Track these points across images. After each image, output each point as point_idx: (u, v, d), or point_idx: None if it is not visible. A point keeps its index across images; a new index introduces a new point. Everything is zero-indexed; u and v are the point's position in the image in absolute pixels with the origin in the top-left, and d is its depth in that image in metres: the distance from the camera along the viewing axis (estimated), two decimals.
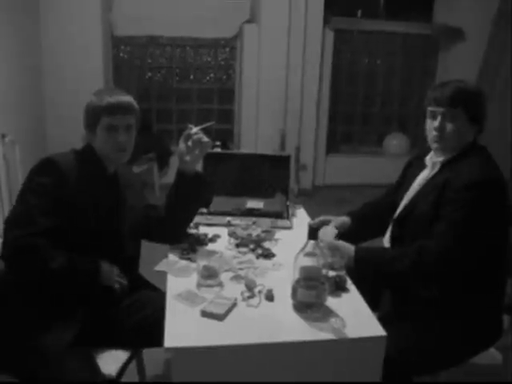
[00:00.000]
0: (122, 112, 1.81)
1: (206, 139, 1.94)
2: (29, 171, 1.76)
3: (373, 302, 1.68)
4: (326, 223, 2.12)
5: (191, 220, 2.09)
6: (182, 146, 1.94)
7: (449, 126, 1.82)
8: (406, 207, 1.95)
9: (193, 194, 1.98)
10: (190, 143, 1.93)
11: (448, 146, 1.85)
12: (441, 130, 1.83)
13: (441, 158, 1.89)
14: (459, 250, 1.69)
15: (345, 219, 2.17)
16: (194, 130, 1.94)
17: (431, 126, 1.87)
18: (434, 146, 1.90)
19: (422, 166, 1.97)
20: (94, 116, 1.81)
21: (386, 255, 1.84)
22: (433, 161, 1.93)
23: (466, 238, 1.69)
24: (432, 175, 1.91)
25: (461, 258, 1.70)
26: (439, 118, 1.83)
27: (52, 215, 1.69)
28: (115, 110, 1.80)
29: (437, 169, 1.90)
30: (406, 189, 2.01)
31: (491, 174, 1.75)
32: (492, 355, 1.91)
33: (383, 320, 1.55)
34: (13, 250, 1.68)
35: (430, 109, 1.88)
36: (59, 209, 1.70)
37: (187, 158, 1.94)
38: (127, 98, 1.85)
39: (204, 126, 1.99)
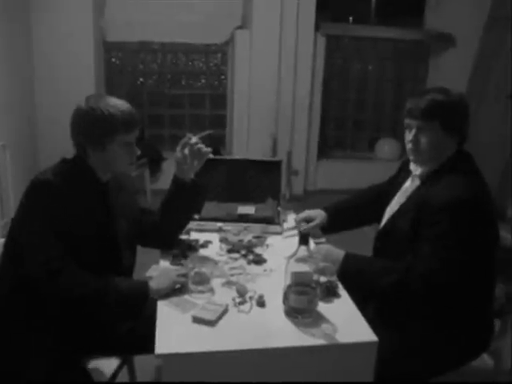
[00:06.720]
0: (136, 127, 1.77)
1: (205, 149, 1.94)
2: (24, 196, 1.66)
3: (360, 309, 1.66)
4: (310, 220, 2.22)
5: (185, 226, 2.09)
6: (179, 154, 1.93)
7: (423, 140, 1.78)
8: (388, 222, 1.94)
9: (189, 202, 1.98)
10: (186, 151, 1.93)
11: (424, 158, 1.82)
12: (415, 143, 1.80)
13: (419, 170, 1.87)
14: (444, 273, 1.65)
15: (322, 213, 2.25)
16: (194, 139, 1.93)
17: (407, 138, 1.84)
18: (410, 158, 1.88)
19: (410, 172, 1.95)
20: (106, 132, 1.70)
21: (372, 268, 1.80)
22: (414, 173, 1.91)
23: (449, 260, 1.64)
24: (414, 189, 1.89)
25: (446, 281, 1.65)
26: (413, 131, 1.80)
27: (61, 236, 1.63)
28: (132, 127, 1.74)
29: (417, 183, 1.88)
30: (393, 196, 2.00)
31: (467, 194, 1.68)
32: (483, 359, 1.91)
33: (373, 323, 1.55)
34: (46, 273, 1.60)
35: (405, 121, 1.84)
36: (62, 229, 1.64)
37: (185, 166, 1.94)
38: (134, 110, 1.77)
39: (202, 134, 1.98)
